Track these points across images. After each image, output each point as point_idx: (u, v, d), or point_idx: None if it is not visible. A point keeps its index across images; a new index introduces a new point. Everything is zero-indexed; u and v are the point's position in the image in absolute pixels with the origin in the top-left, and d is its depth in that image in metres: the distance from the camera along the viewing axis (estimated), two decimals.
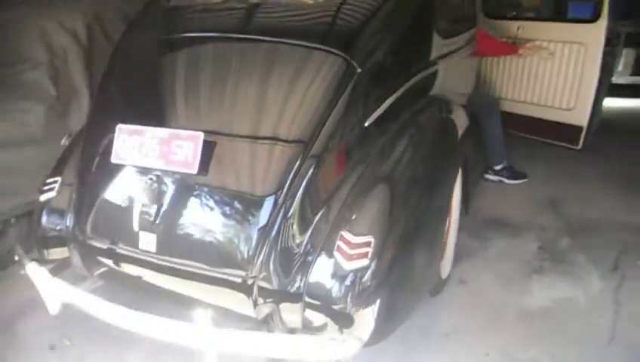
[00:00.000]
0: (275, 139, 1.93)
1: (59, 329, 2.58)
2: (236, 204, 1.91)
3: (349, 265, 1.78)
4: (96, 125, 2.31)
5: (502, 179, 3.92)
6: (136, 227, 1.97)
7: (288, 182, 1.85)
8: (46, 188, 2.42)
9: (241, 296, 1.88)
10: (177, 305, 2.08)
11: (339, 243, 1.81)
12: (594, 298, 2.70)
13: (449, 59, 2.79)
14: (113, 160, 2.04)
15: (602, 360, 2.27)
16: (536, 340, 2.40)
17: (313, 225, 1.87)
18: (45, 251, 2.38)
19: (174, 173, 1.94)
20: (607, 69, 3.62)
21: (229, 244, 1.89)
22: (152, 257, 1.99)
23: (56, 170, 2.48)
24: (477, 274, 2.88)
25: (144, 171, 1.98)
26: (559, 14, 4.20)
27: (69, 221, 2.25)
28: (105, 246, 2.14)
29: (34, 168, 3.21)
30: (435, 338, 2.38)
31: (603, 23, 3.47)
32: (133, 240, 2.00)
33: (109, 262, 2.17)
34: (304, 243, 1.86)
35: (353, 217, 1.86)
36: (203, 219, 1.93)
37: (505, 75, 4.05)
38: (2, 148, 3.09)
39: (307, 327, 1.86)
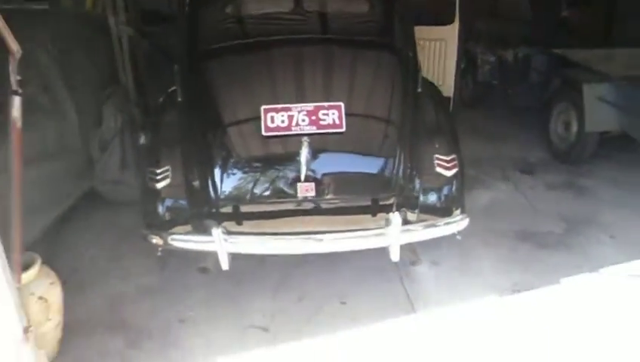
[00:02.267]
0: (385, 104, 2.84)
1: (173, 307, 2.94)
2: (373, 150, 2.77)
3: (449, 173, 2.83)
4: (219, 118, 2.80)
5: None
6: (295, 180, 2.63)
7: (400, 131, 2.80)
8: (159, 177, 2.78)
9: (382, 213, 2.74)
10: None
11: (437, 162, 2.84)
12: (509, 194, 4.30)
13: None
14: (264, 133, 2.65)
15: (538, 220, 3.82)
16: (499, 219, 3.83)
17: (418, 157, 2.84)
18: (170, 230, 2.76)
19: (324, 134, 2.67)
20: (461, 57, 5.34)
21: (374, 179, 2.75)
22: (311, 201, 2.68)
23: (158, 162, 2.83)
24: None
25: (296, 136, 2.64)
26: None
27: (208, 197, 2.70)
28: (259, 205, 2.71)
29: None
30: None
31: (456, 25, 5.16)
32: (291, 192, 2.65)
33: (261, 220, 2.74)
34: (416, 169, 2.82)
35: (437, 146, 2.91)
36: (352, 164, 2.74)
37: None
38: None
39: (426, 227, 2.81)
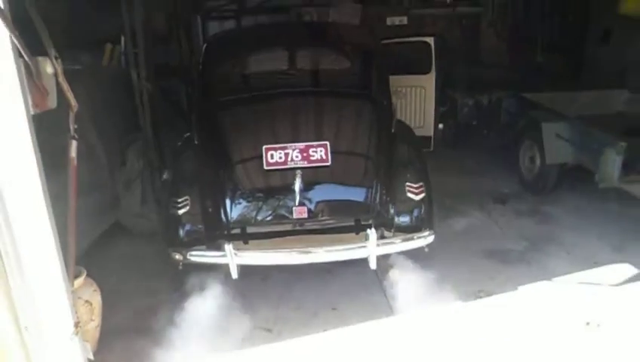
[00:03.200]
0: (363, 143, 3.53)
1: (190, 317, 3.53)
2: (355, 181, 3.44)
3: (418, 197, 3.48)
4: (229, 157, 3.49)
5: None
6: (291, 204, 3.28)
7: (376, 165, 3.48)
8: (179, 205, 3.43)
9: (363, 232, 3.36)
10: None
11: (408, 188, 3.49)
12: (482, 220, 4.94)
13: None
14: (266, 167, 3.32)
15: (505, 241, 4.44)
16: (471, 241, 4.45)
17: (391, 186, 3.50)
18: (188, 248, 3.38)
19: (313, 167, 3.35)
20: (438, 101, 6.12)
21: (355, 205, 3.41)
22: (304, 222, 3.33)
23: (178, 193, 3.49)
24: None
25: (291, 170, 3.32)
26: None
27: (220, 221, 3.35)
28: (262, 227, 3.35)
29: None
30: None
31: (433, 74, 5.96)
32: (288, 215, 3.30)
33: (263, 239, 3.37)
34: (389, 196, 3.48)
35: (408, 176, 3.57)
36: (336, 192, 3.40)
37: None
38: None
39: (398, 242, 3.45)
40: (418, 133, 6.10)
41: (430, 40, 5.96)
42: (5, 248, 2.65)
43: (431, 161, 6.28)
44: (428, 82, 6.00)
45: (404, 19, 9.62)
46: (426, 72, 6.01)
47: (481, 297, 3.59)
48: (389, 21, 9.66)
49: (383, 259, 3.60)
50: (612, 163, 4.30)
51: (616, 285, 3.64)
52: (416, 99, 6.11)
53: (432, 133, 6.11)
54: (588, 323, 3.22)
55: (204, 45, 4.50)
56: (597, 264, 3.96)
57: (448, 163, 6.70)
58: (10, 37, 2.37)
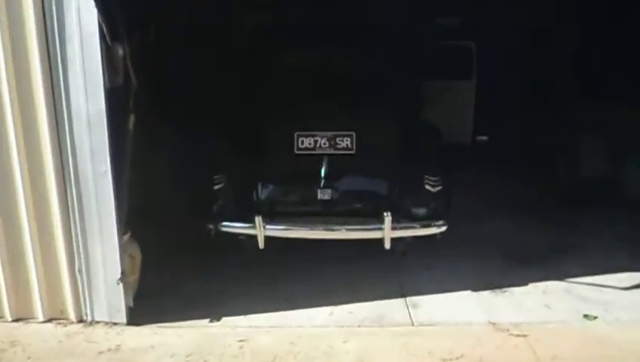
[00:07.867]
0: (387, 138, 4.08)
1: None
2: (376, 170, 3.98)
3: (435, 189, 3.98)
4: (266, 141, 4.14)
5: None
6: (316, 187, 3.88)
7: (398, 159, 4.01)
8: (216, 182, 4.08)
9: (381, 218, 3.88)
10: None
11: (426, 180, 4.00)
12: (510, 225, 5.34)
13: None
14: (296, 152, 3.94)
15: (528, 239, 4.86)
16: (496, 241, 4.88)
17: (411, 178, 4.03)
18: (222, 221, 4.01)
19: (339, 155, 3.93)
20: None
21: (374, 192, 3.95)
22: (327, 204, 3.91)
23: (216, 172, 4.14)
24: None
25: (319, 156, 3.92)
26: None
27: (252, 198, 3.99)
28: (289, 205, 3.96)
29: None
30: None
31: (474, 81, 6.41)
32: (312, 196, 3.89)
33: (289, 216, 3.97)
34: (408, 187, 4.01)
35: (427, 169, 4.07)
36: (358, 179, 3.96)
37: None
38: None
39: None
40: (455, 140, 6.58)
41: (471, 44, 6.36)
42: (72, 203, 3.41)
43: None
44: (468, 89, 6.43)
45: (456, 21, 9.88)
46: (467, 78, 6.42)
47: (491, 289, 4.03)
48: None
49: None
50: (636, 174, 4.68)
51: (626, 288, 4.01)
52: (456, 106, 6.54)
53: (469, 141, 6.46)
54: (586, 316, 3.64)
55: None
56: (611, 269, 4.31)
57: (489, 174, 7.04)
58: (99, 23, 3.14)
